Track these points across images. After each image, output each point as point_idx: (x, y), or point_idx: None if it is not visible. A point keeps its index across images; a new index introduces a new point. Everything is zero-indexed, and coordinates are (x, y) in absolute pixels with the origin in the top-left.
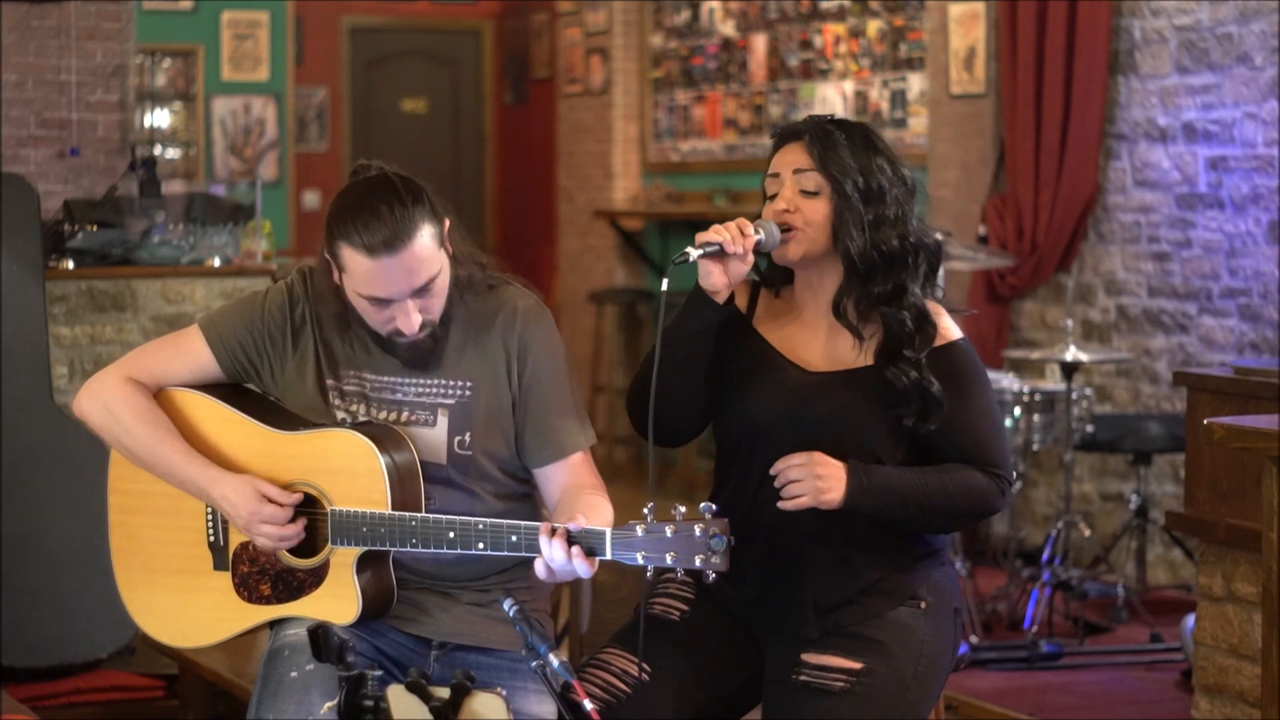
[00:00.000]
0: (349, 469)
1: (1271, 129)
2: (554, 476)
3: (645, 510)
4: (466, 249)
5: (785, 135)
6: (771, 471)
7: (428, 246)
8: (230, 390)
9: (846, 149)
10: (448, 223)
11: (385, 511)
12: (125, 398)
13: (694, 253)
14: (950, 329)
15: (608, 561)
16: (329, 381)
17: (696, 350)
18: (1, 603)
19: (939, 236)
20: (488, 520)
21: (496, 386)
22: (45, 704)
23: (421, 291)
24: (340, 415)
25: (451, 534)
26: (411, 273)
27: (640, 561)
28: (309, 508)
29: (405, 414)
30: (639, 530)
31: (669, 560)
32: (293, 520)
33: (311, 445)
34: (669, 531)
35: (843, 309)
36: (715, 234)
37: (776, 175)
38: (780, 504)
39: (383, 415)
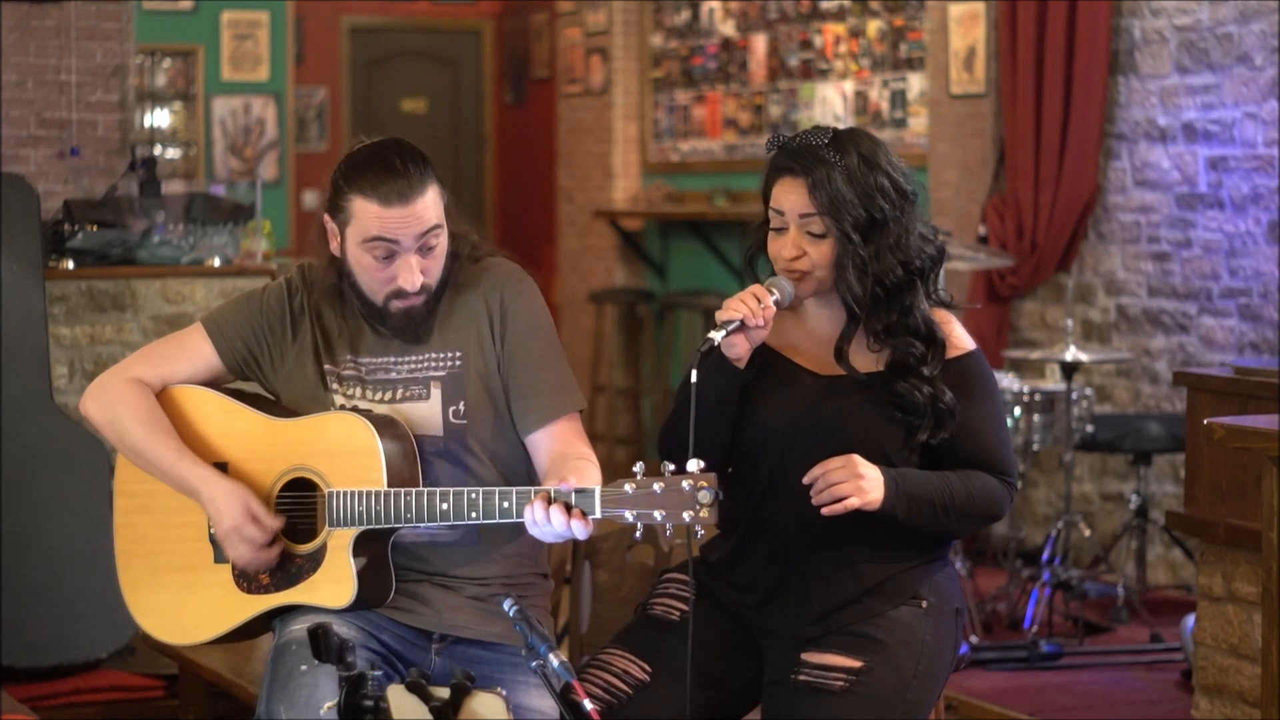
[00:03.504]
0: (346, 450)
1: (1271, 129)
2: (542, 444)
3: (635, 469)
4: (463, 226)
5: (784, 168)
6: (807, 479)
7: (435, 201)
8: (233, 389)
9: (847, 181)
10: (446, 196)
11: (381, 490)
12: (126, 398)
13: (718, 336)
14: (963, 339)
15: (599, 520)
16: (327, 367)
17: (723, 410)
18: (1, 603)
19: (942, 237)
20: (480, 489)
21: (483, 351)
22: (45, 704)
23: (425, 247)
24: (339, 400)
25: (445, 505)
26: (419, 221)
27: (629, 519)
28: (307, 492)
29: (399, 391)
30: (628, 488)
31: (658, 517)
32: (272, 544)
33: (309, 429)
34: (657, 487)
35: (844, 354)
36: (734, 311)
37: (781, 213)
38: (825, 510)
39: (378, 396)
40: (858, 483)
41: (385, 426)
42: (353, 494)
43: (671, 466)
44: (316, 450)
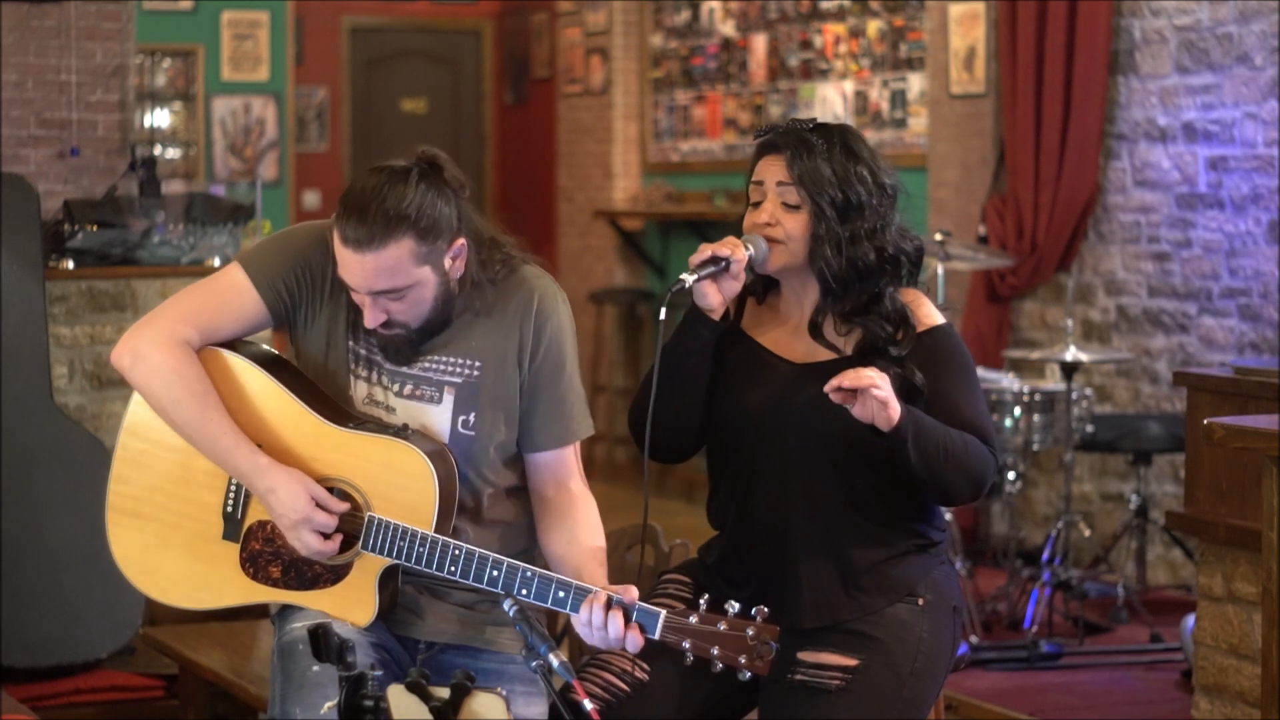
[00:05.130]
0: (398, 481)
1: (1271, 129)
2: (543, 466)
3: (701, 601)
4: (491, 237)
5: (767, 145)
6: (834, 381)
7: (398, 259)
8: (273, 362)
9: (826, 161)
10: (459, 242)
11: (430, 533)
12: (177, 367)
13: (689, 278)
14: (932, 315)
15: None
16: (350, 343)
17: (696, 369)
18: (1, 603)
19: (924, 239)
20: (536, 570)
21: (505, 368)
22: (45, 704)
23: (382, 296)
24: (353, 380)
25: (496, 573)
26: (372, 276)
27: (685, 647)
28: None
29: (411, 387)
30: (692, 619)
31: (714, 653)
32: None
33: (362, 446)
34: (722, 627)
35: (820, 329)
36: (707, 251)
37: (760, 184)
38: (859, 401)
39: (393, 386)
40: (888, 390)
41: (441, 465)
42: (401, 529)
43: (737, 606)
44: (363, 468)
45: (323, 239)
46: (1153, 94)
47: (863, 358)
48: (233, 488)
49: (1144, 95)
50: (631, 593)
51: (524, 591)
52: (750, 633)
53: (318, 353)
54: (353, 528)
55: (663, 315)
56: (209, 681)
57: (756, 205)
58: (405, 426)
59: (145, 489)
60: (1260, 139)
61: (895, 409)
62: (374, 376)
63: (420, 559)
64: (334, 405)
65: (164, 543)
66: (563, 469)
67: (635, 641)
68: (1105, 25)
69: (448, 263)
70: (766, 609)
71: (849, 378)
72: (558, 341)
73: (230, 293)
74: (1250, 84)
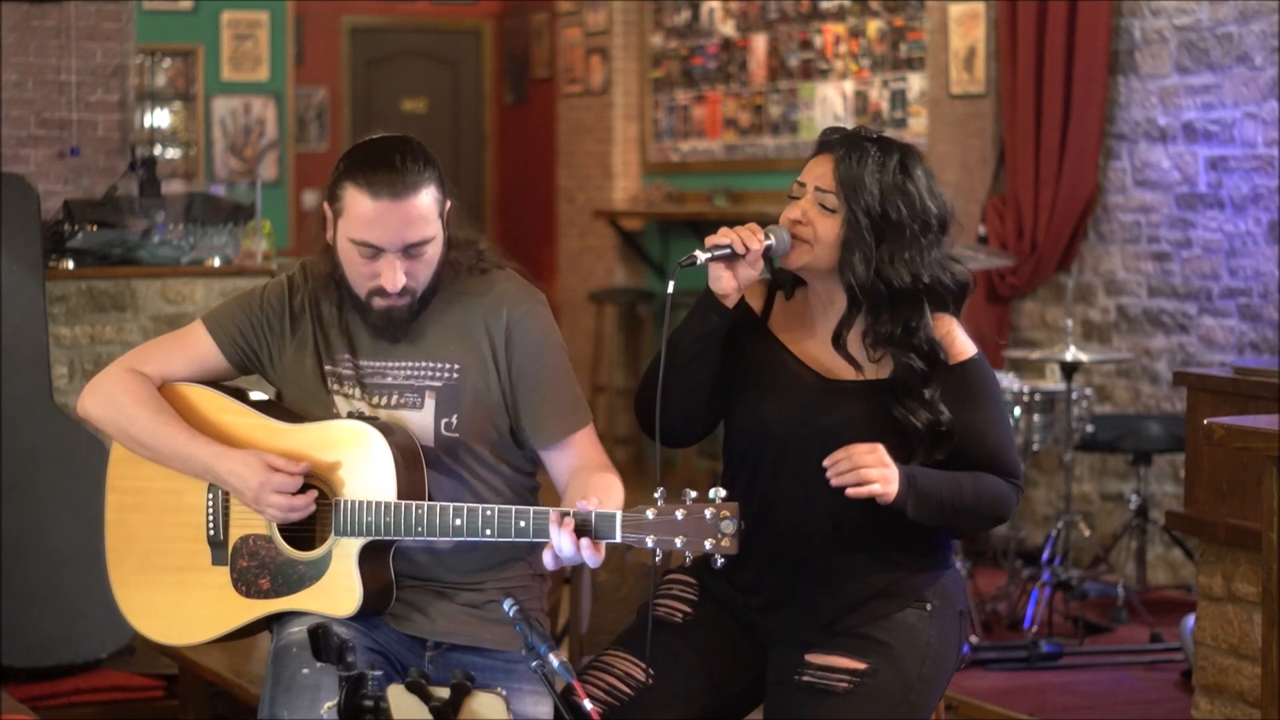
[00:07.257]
0: (355, 460)
1: (1271, 129)
2: (558, 459)
3: (656, 495)
4: (466, 234)
5: (825, 144)
6: (830, 459)
7: (429, 206)
8: (234, 390)
9: (875, 175)
10: (450, 204)
11: (392, 501)
12: (128, 387)
13: (701, 256)
14: (964, 345)
15: (617, 545)
16: (327, 367)
17: (703, 353)
18: (1, 603)
19: (968, 271)
20: (495, 506)
21: (484, 370)
22: (45, 704)
23: (411, 251)
24: (338, 400)
25: (458, 521)
26: (408, 225)
27: (650, 545)
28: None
29: (395, 397)
30: (649, 514)
31: (678, 544)
32: (302, 491)
33: (316, 437)
34: (679, 515)
35: (843, 340)
36: (724, 236)
37: (803, 184)
38: (850, 491)
39: (376, 399)
40: (884, 470)
41: (393, 433)
42: (363, 504)
43: (693, 494)
44: (323, 459)
45: (281, 286)
46: (1153, 94)
47: (893, 392)
48: (210, 510)
49: (1144, 95)
50: (590, 503)
51: (488, 531)
52: (709, 514)
53: (294, 384)
54: (325, 519)
55: (670, 289)
56: (209, 681)
57: (794, 200)
58: (354, 413)
59: (141, 540)
60: (1260, 139)
61: (892, 489)
62: (356, 393)
63: (389, 529)
64: (291, 413)
65: (173, 589)
66: (578, 460)
67: (592, 555)
68: (1105, 25)
69: (445, 219)
70: (725, 490)
71: (845, 469)
72: (533, 337)
73: (186, 339)
74: (1250, 84)
